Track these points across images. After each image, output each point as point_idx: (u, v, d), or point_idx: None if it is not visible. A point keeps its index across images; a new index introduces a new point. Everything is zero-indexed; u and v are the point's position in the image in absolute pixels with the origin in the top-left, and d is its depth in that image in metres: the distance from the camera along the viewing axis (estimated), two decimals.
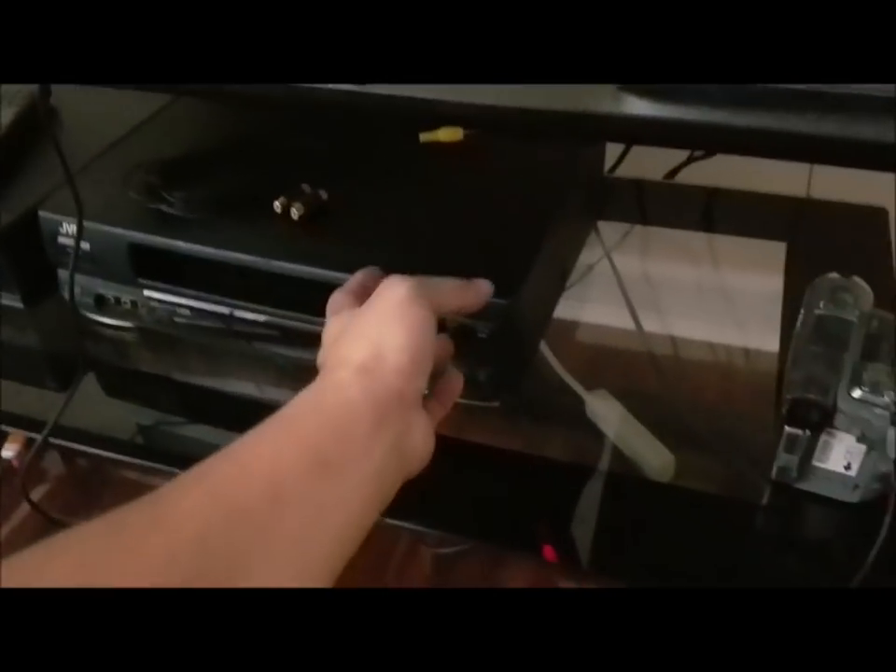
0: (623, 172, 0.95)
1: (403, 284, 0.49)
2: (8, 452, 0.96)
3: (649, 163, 0.94)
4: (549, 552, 0.61)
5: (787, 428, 0.58)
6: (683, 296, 0.85)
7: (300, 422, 0.45)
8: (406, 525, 0.65)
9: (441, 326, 0.53)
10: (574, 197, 0.75)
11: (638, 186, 0.95)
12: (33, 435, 0.71)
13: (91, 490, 0.99)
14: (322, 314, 0.65)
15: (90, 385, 0.75)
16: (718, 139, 0.48)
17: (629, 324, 0.80)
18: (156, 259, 0.69)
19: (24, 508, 0.94)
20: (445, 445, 0.67)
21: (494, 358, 0.64)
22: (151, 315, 0.71)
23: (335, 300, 0.55)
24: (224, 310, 0.70)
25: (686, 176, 0.94)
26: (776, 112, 0.44)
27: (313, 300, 0.65)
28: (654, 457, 0.66)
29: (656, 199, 0.95)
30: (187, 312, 0.70)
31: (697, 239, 0.91)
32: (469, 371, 0.63)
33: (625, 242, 0.90)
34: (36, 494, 0.96)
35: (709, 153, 0.87)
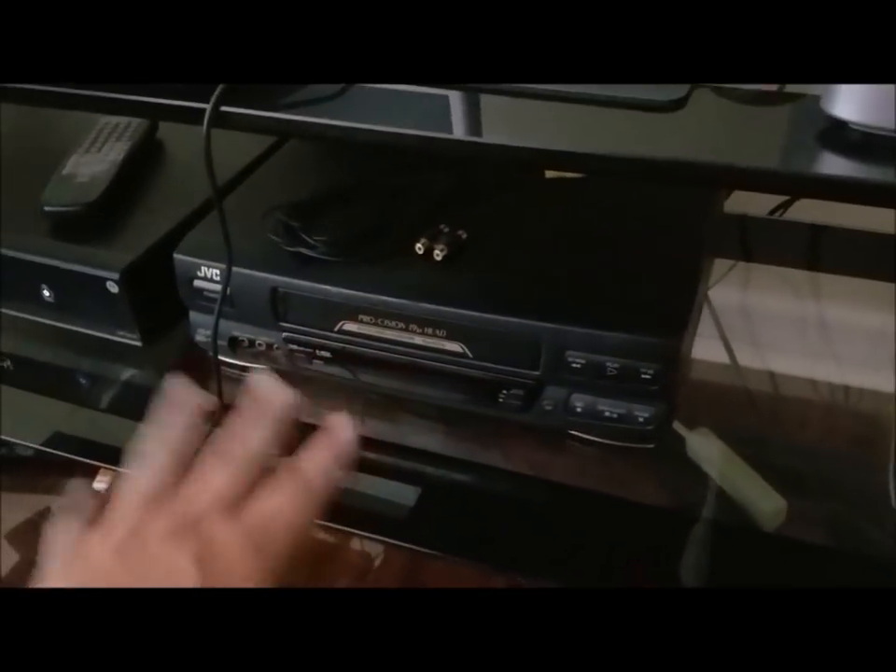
0: (727, 207, 0.94)
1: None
2: (101, 484, 0.95)
3: (754, 198, 0.93)
4: None
5: None
6: (785, 332, 0.84)
7: None
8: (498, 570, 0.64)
9: None
10: (714, 232, 0.74)
11: (742, 221, 0.94)
12: None
13: None
14: (476, 356, 0.64)
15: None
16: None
17: (728, 360, 0.79)
18: (298, 303, 0.67)
19: None
20: (541, 488, 0.68)
21: (655, 400, 0.63)
22: (288, 357, 0.70)
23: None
24: (367, 353, 0.68)
25: (792, 213, 0.93)
26: None
27: (466, 343, 0.65)
28: (765, 502, 0.64)
29: (760, 235, 0.93)
30: (326, 355, 0.69)
31: (801, 277, 0.89)
32: (626, 413, 0.63)
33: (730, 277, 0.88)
34: None
35: None
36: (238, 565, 0.43)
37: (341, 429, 0.49)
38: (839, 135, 0.45)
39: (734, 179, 0.46)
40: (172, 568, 0.42)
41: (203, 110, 0.51)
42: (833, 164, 0.44)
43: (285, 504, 0.46)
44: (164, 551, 0.42)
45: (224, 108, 0.52)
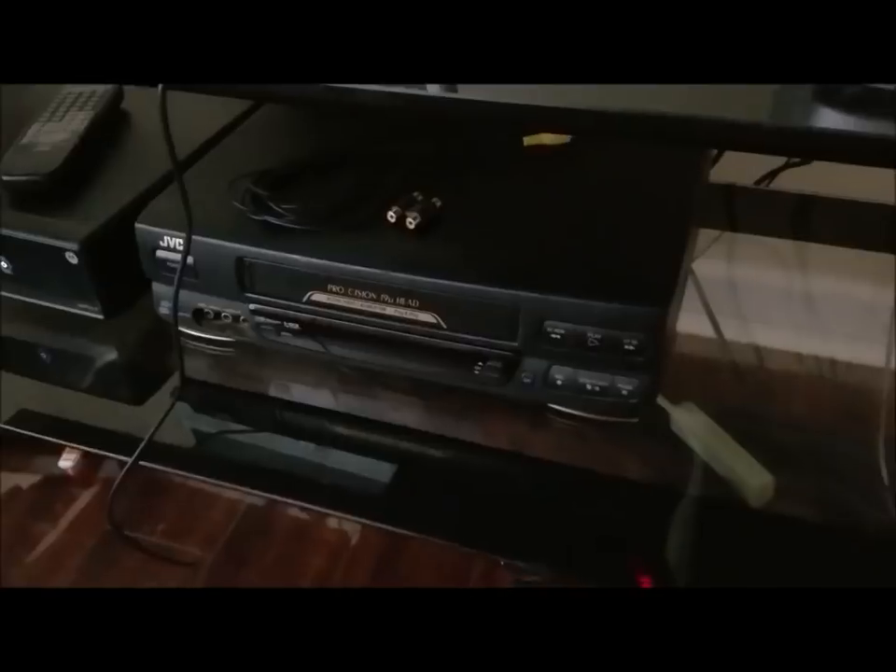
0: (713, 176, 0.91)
1: None
2: (66, 462, 0.93)
3: (741, 168, 0.91)
4: (645, 582, 0.58)
5: None
6: (771, 304, 0.82)
7: None
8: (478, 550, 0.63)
9: None
10: (699, 201, 0.71)
11: (728, 191, 0.91)
12: (120, 457, 0.67)
13: (151, 497, 0.95)
14: (451, 327, 0.62)
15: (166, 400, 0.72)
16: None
17: (713, 333, 0.77)
18: (265, 273, 0.64)
19: (68, 518, 0.91)
20: (521, 465, 0.66)
21: (639, 372, 0.61)
22: (255, 330, 0.67)
23: None
24: (337, 324, 0.65)
25: (778, 182, 0.90)
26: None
27: (440, 313, 0.62)
28: (752, 477, 0.63)
29: (746, 205, 0.91)
30: (295, 327, 0.66)
31: (788, 247, 0.87)
32: (609, 385, 0.60)
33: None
34: (88, 499, 0.92)
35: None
36: None
37: None
38: (838, 90, 0.42)
39: (726, 136, 0.44)
40: None
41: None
42: (833, 119, 0.41)
43: None
44: None
45: None
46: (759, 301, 0.82)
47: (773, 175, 0.89)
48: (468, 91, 0.47)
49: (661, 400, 0.66)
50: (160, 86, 0.50)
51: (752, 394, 0.73)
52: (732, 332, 0.78)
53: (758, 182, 0.91)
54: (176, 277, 0.62)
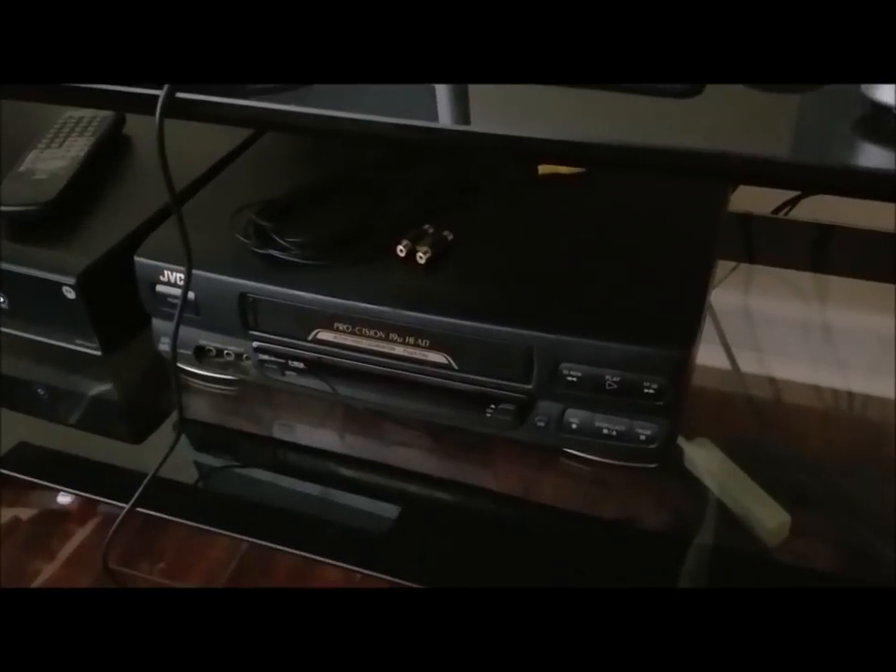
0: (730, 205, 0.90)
1: None
2: (65, 498, 0.91)
3: (759, 196, 0.89)
4: None
5: None
6: (788, 337, 0.80)
7: None
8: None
9: None
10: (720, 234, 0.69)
11: (745, 220, 0.89)
12: (116, 504, 0.65)
13: (151, 534, 0.93)
14: (462, 367, 0.59)
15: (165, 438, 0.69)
16: None
17: (729, 366, 0.76)
18: (269, 310, 0.62)
19: (65, 554, 0.89)
20: (533, 511, 0.64)
21: (659, 416, 0.58)
22: (259, 368, 0.65)
23: None
24: (344, 363, 0.63)
25: (797, 212, 0.88)
26: None
27: (451, 353, 0.60)
28: (767, 516, 0.61)
29: (764, 235, 0.89)
30: (300, 366, 0.64)
31: (806, 279, 0.85)
32: (627, 430, 0.58)
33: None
34: (85, 535, 0.90)
35: None
36: None
37: None
38: (882, 123, 0.40)
39: (757, 173, 0.41)
40: None
41: (157, 97, 0.46)
42: (876, 156, 0.39)
43: None
44: None
45: (181, 95, 0.47)
46: (775, 332, 0.80)
47: (792, 203, 0.87)
48: (480, 125, 0.45)
49: None
50: (157, 114, 0.47)
51: (768, 428, 0.71)
52: (748, 364, 0.76)
53: (776, 211, 0.89)
54: (176, 315, 0.60)
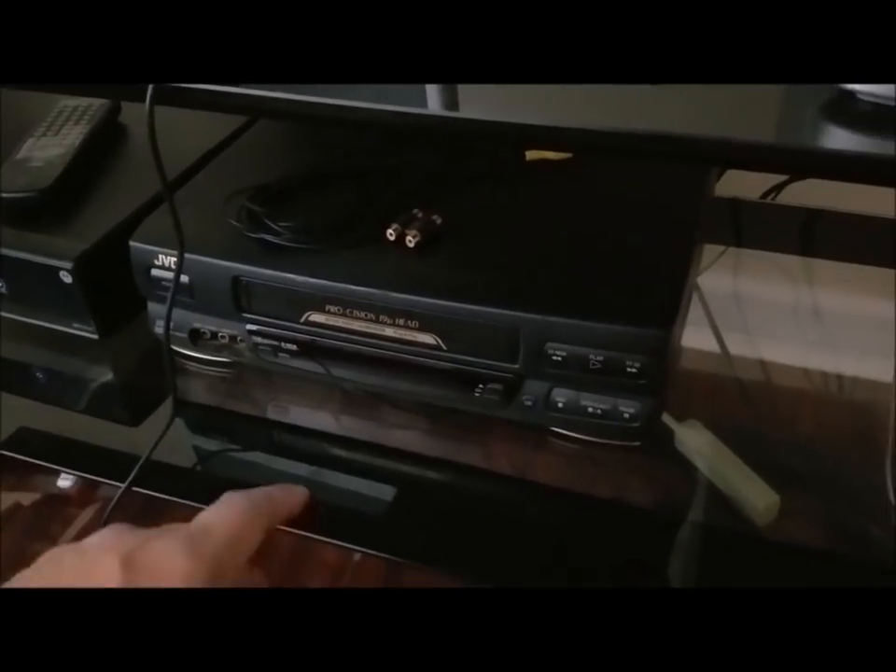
0: (717, 189, 0.90)
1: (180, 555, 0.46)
2: (66, 481, 0.92)
3: (746, 181, 0.89)
4: None
5: None
6: (777, 320, 0.80)
7: None
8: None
9: None
10: (707, 216, 0.70)
11: (733, 205, 0.90)
12: (112, 483, 0.66)
13: (151, 515, 0.94)
14: (451, 348, 0.60)
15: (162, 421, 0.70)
16: None
17: (718, 349, 0.76)
18: (262, 293, 0.63)
19: (67, 538, 0.90)
20: (523, 489, 0.65)
21: (642, 395, 0.59)
22: (252, 350, 0.66)
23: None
24: (336, 345, 0.64)
25: (785, 196, 0.89)
26: None
27: (440, 335, 0.61)
28: (757, 497, 0.61)
29: (752, 219, 0.90)
30: (292, 347, 0.65)
31: (795, 262, 0.86)
32: (611, 408, 0.59)
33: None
34: (87, 519, 0.91)
35: None
36: (169, 563, 0.45)
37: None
38: (847, 107, 0.41)
39: (730, 156, 0.42)
40: (94, 569, 0.44)
41: (147, 86, 0.47)
42: (841, 139, 0.40)
43: (226, 512, 0.50)
44: (94, 553, 0.46)
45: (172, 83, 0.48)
46: (765, 315, 0.80)
47: (779, 188, 0.88)
48: (469, 111, 0.46)
49: (665, 418, 0.65)
50: (147, 101, 0.48)
51: (758, 410, 0.71)
52: (737, 348, 0.77)
53: (764, 195, 0.90)
54: (169, 297, 0.61)
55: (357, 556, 0.82)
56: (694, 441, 0.65)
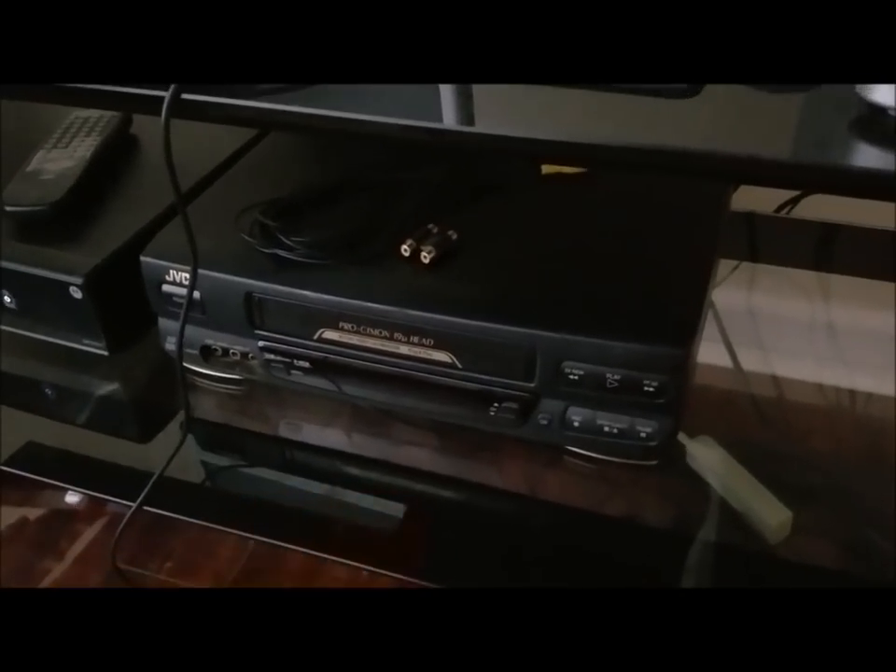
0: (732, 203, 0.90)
1: None
2: (73, 497, 0.91)
3: (762, 194, 0.89)
4: None
5: None
6: (792, 335, 0.80)
7: None
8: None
9: None
10: (724, 232, 0.69)
11: (748, 219, 0.89)
12: (124, 502, 0.65)
13: (159, 532, 0.93)
14: (466, 366, 0.60)
15: (172, 437, 0.70)
16: None
17: (731, 364, 0.76)
18: (275, 309, 0.63)
19: (74, 553, 0.89)
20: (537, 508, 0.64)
21: (660, 414, 0.59)
22: (265, 368, 0.65)
23: None
24: (349, 363, 0.63)
25: (800, 210, 0.88)
26: None
27: (455, 352, 0.60)
28: (770, 514, 0.61)
29: (767, 234, 0.89)
30: (305, 365, 0.64)
31: (810, 277, 0.86)
32: (628, 427, 0.58)
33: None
34: (94, 534, 0.91)
35: None
36: None
37: None
38: (878, 123, 0.40)
39: (754, 173, 0.42)
40: None
41: (162, 98, 0.46)
42: (872, 156, 0.39)
43: None
44: None
45: (186, 96, 0.47)
46: (778, 330, 0.80)
47: (794, 201, 0.87)
48: (485, 126, 0.46)
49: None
50: (163, 115, 0.48)
51: (771, 426, 0.71)
52: (750, 363, 0.76)
53: (779, 209, 0.89)
54: (182, 314, 0.60)
55: (366, 577, 0.82)
56: (706, 457, 0.65)
